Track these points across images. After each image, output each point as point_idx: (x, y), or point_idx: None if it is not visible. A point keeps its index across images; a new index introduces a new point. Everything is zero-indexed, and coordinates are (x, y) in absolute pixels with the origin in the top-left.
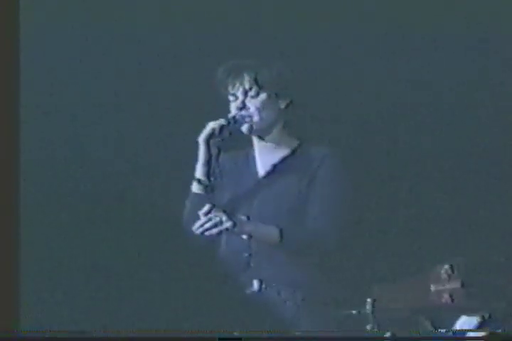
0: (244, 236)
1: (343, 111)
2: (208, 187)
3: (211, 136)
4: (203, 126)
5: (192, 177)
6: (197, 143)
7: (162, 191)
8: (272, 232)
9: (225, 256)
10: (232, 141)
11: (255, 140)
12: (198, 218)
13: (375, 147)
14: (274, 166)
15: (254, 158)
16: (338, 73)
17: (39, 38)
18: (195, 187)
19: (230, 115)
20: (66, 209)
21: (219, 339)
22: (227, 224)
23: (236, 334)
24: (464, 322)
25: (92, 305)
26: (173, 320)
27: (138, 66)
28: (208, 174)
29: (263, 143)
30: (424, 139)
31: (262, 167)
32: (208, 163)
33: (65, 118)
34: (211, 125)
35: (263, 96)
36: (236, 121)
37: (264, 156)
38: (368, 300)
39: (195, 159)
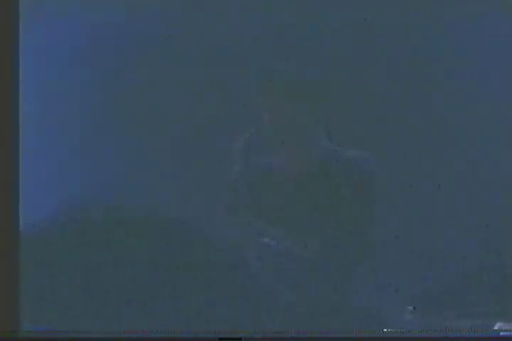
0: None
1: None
2: (242, 195)
3: (246, 145)
4: (237, 136)
5: (225, 185)
6: (231, 152)
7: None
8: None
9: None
10: (264, 148)
11: (284, 146)
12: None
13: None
14: (306, 171)
15: (284, 164)
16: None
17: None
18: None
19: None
20: (66, 210)
21: (219, 339)
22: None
23: (236, 334)
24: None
25: (92, 305)
26: (173, 320)
27: (161, 72)
28: (241, 182)
29: (293, 149)
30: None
31: (291, 172)
32: (241, 171)
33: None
34: (246, 135)
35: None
36: (268, 131)
37: (294, 162)
38: None
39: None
